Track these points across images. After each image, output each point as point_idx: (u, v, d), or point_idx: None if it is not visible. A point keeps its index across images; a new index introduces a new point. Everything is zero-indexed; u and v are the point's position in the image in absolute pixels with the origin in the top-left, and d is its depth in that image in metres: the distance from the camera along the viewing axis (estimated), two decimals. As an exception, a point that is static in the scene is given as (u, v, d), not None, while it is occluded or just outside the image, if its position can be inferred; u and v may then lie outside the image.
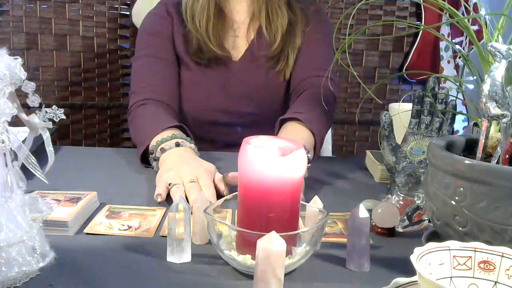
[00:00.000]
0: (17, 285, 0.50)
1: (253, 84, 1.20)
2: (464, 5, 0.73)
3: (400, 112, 0.81)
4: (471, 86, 0.70)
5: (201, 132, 1.20)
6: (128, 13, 1.99)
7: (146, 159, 0.97)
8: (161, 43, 1.18)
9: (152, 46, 1.18)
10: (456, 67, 2.18)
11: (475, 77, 0.65)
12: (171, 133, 0.95)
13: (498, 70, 0.53)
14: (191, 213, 0.61)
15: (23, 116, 0.54)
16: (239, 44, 1.21)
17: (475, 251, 0.45)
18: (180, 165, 0.83)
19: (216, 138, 1.24)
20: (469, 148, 0.62)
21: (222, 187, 0.82)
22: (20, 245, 0.50)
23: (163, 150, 0.90)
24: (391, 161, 0.77)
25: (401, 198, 0.73)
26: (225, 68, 1.19)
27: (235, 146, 0.68)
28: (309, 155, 0.92)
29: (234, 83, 1.20)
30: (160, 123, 1.00)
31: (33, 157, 0.55)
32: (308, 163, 0.89)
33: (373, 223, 0.68)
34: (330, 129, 1.35)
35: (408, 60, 2.17)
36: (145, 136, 0.98)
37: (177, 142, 0.92)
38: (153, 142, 0.94)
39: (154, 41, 1.18)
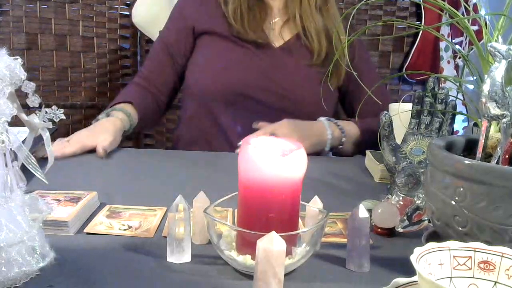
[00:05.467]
0: (17, 285, 0.50)
1: (290, 75, 1.24)
2: (464, 5, 0.73)
3: (400, 112, 0.81)
4: (471, 86, 0.70)
5: (225, 110, 1.23)
6: (128, 13, 1.99)
7: None
8: (181, 31, 1.29)
9: (172, 32, 1.31)
10: (456, 67, 2.18)
11: (475, 77, 0.65)
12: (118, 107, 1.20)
13: (498, 70, 0.53)
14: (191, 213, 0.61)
15: (23, 116, 0.54)
16: (277, 38, 1.27)
17: (475, 251, 0.45)
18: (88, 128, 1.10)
19: (238, 120, 1.25)
20: (469, 148, 0.62)
21: (100, 152, 1.01)
22: (20, 245, 0.50)
23: (96, 120, 1.16)
24: (391, 161, 0.77)
25: (401, 198, 0.73)
26: (264, 50, 1.24)
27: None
28: (344, 134, 1.20)
29: (273, 66, 1.24)
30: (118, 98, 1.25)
31: (33, 157, 0.55)
32: (339, 145, 1.20)
33: (373, 223, 0.68)
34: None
35: (408, 60, 2.17)
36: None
37: (109, 113, 1.16)
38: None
39: (176, 26, 1.31)
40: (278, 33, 1.26)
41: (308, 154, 0.58)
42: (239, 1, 1.22)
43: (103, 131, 1.08)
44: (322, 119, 1.20)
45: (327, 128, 1.18)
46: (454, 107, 0.76)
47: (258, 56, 1.24)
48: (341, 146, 1.21)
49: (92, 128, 1.11)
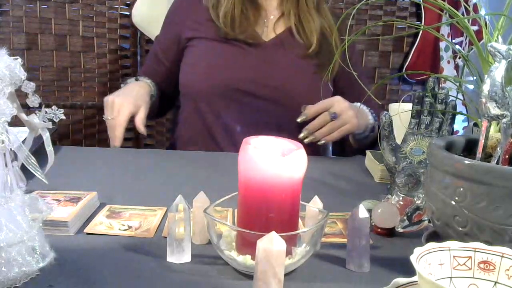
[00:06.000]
0: (17, 285, 0.50)
1: (282, 66, 1.24)
2: (464, 5, 0.73)
3: (400, 112, 0.81)
4: (471, 86, 0.70)
5: (225, 104, 1.23)
6: (128, 13, 1.99)
7: None
8: (169, 39, 1.33)
9: (161, 40, 1.37)
10: (456, 67, 2.18)
11: (475, 77, 0.65)
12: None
13: (498, 70, 0.53)
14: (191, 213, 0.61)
15: (23, 116, 0.54)
16: (269, 34, 1.27)
17: (475, 251, 0.45)
18: (120, 93, 1.17)
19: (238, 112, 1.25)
20: (469, 148, 0.62)
21: (141, 128, 1.11)
22: (20, 245, 0.50)
23: (126, 83, 1.26)
24: (391, 161, 0.77)
25: (401, 198, 0.73)
26: (255, 46, 1.25)
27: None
28: (377, 122, 1.19)
29: (265, 60, 1.24)
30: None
31: (33, 157, 0.55)
32: (371, 131, 1.20)
33: (373, 223, 0.68)
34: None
35: (408, 60, 2.17)
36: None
37: (137, 78, 1.27)
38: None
39: (165, 34, 1.36)
40: (271, 28, 1.27)
41: (307, 155, 0.58)
42: (232, 6, 1.21)
43: (139, 99, 1.16)
44: (358, 104, 1.18)
45: (368, 113, 1.20)
46: (454, 107, 0.76)
47: (249, 51, 1.24)
48: (372, 133, 1.20)
49: (129, 93, 1.17)
